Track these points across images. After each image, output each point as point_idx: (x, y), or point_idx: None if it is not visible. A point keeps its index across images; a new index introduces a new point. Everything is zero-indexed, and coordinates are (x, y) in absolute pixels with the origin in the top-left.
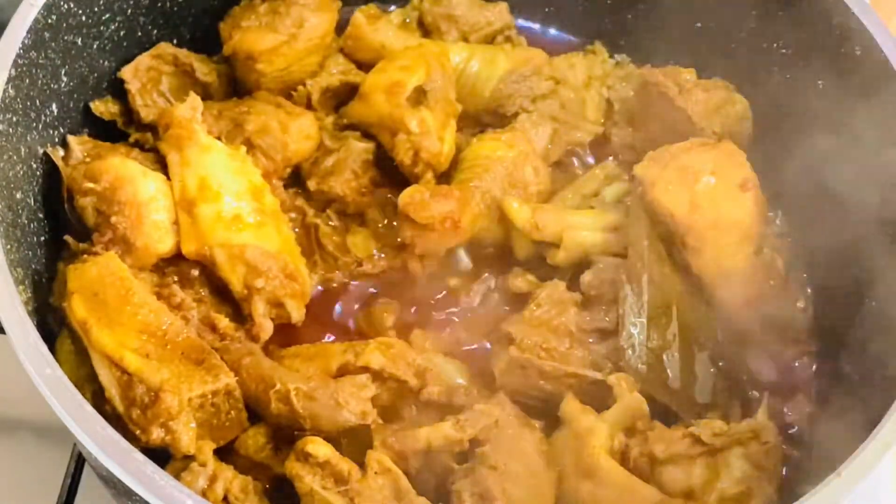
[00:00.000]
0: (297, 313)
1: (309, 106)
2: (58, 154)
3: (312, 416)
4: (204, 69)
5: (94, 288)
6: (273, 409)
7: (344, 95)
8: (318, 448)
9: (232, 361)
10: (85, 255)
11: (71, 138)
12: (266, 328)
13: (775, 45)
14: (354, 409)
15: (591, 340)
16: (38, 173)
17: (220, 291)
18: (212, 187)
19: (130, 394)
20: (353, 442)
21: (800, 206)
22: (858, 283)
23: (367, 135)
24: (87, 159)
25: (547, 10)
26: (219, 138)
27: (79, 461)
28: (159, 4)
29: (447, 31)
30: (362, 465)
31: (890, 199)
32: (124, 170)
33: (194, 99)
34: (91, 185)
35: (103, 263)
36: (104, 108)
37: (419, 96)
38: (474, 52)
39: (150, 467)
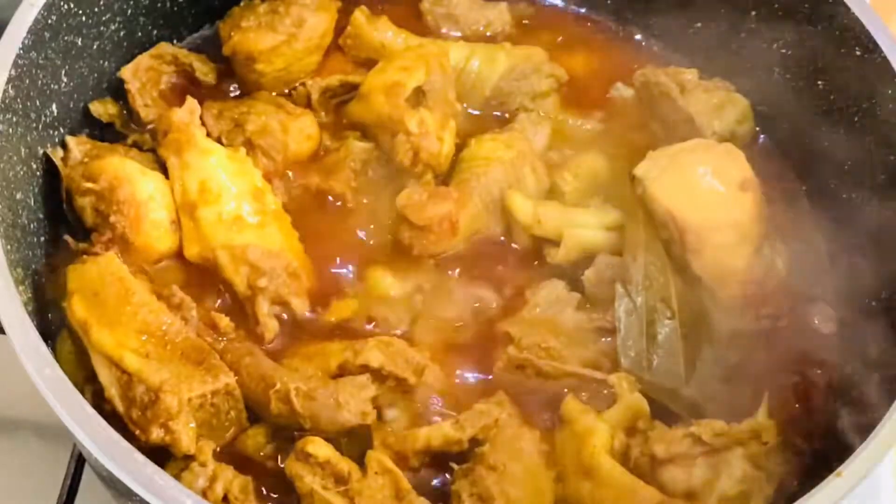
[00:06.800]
0: (301, 311)
1: (308, 105)
2: (57, 154)
3: (312, 415)
4: (204, 69)
5: (94, 288)
6: (273, 408)
7: (344, 95)
8: (319, 448)
9: (232, 361)
10: (84, 256)
11: (69, 139)
12: (271, 327)
13: (775, 45)
14: (354, 410)
15: (590, 340)
16: (38, 174)
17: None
18: (212, 190)
19: (130, 394)
20: (353, 442)
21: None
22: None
23: (366, 135)
24: (86, 160)
25: None
26: (219, 138)
27: (79, 461)
28: (159, 4)
29: (447, 31)
30: (362, 465)
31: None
32: (122, 169)
33: (192, 102)
34: (90, 185)
35: (103, 263)
36: (102, 109)
37: (419, 97)
38: (474, 51)
39: (150, 467)
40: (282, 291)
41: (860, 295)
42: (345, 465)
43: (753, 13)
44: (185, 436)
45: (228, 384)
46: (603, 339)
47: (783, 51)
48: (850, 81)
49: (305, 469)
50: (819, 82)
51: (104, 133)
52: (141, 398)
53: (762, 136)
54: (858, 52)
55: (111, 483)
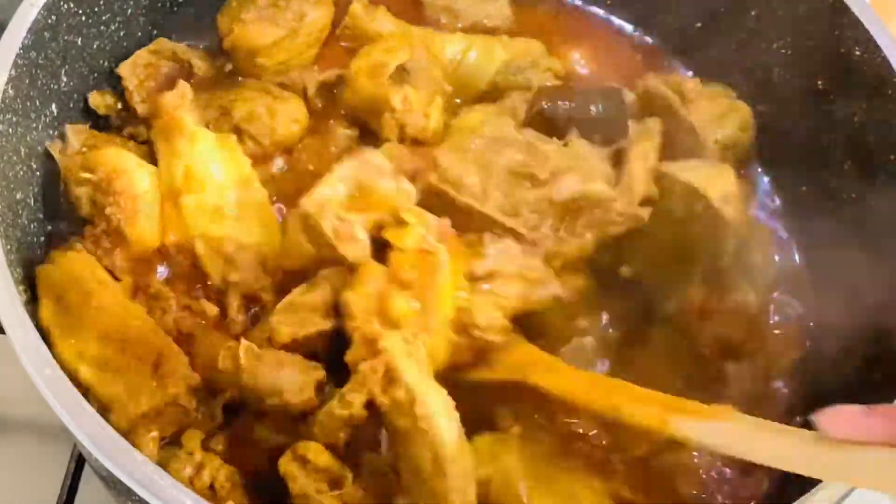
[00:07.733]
0: (273, 306)
1: (304, 96)
2: (56, 147)
3: (253, 374)
4: (203, 65)
5: (58, 291)
6: (220, 363)
7: (341, 86)
8: (318, 455)
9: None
10: (50, 254)
11: (69, 127)
12: (239, 322)
13: (775, 45)
14: (296, 386)
15: (523, 187)
16: (38, 174)
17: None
18: (197, 177)
19: (93, 403)
20: (353, 441)
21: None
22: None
23: (360, 121)
24: (84, 149)
25: None
26: (207, 127)
27: (79, 461)
28: (159, 4)
29: (447, 24)
30: (360, 466)
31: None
32: (121, 161)
33: (183, 86)
34: (87, 175)
35: (66, 265)
36: (101, 101)
37: (402, 75)
38: (472, 43)
39: (150, 467)
40: (254, 287)
41: (860, 294)
42: (342, 470)
43: (753, 13)
44: (146, 448)
45: (178, 394)
46: (535, 189)
47: (783, 51)
48: (850, 81)
49: (300, 470)
50: (819, 82)
51: (102, 129)
52: (100, 410)
53: (762, 136)
54: (858, 52)
55: (111, 483)
